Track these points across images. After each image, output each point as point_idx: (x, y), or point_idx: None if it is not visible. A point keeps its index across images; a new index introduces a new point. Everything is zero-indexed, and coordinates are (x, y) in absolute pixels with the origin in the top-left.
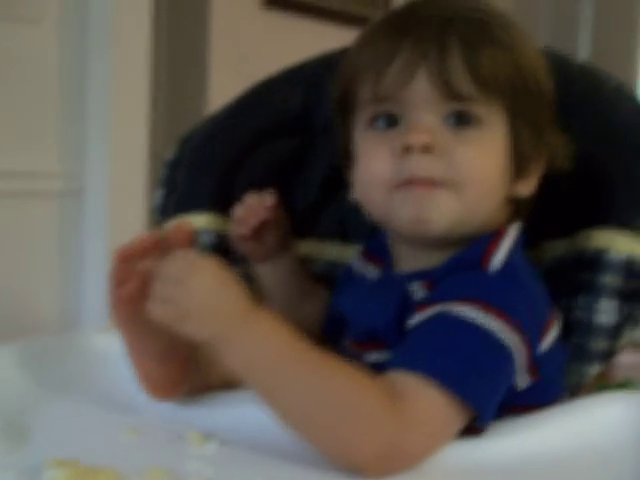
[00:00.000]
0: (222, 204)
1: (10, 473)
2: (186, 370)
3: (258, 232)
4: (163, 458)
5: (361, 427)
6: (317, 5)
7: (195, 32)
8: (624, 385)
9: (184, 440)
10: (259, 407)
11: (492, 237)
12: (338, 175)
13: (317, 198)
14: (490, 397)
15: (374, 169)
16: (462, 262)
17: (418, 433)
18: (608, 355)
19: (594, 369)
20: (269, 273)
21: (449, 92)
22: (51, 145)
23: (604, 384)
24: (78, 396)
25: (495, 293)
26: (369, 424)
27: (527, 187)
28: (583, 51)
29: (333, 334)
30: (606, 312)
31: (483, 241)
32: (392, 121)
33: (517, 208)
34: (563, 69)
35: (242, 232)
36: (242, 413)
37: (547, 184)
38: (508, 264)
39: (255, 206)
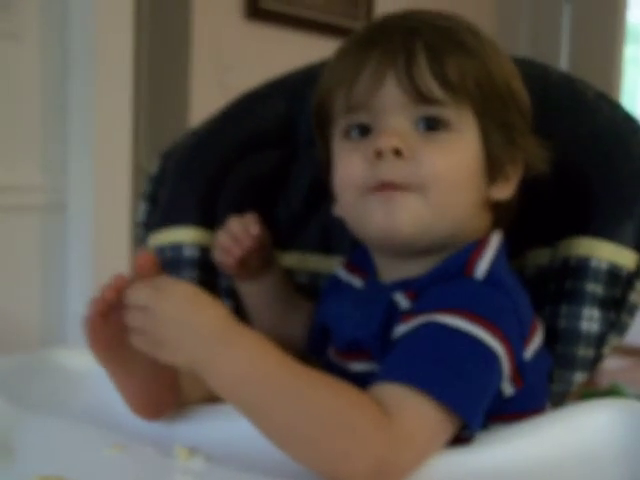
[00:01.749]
0: (206, 217)
1: None
2: (173, 389)
3: (242, 259)
4: (149, 473)
5: (351, 443)
6: (299, 16)
7: (177, 44)
8: (611, 391)
9: (170, 455)
10: (246, 421)
11: (475, 246)
12: (321, 187)
13: (300, 210)
14: (478, 406)
15: (347, 175)
16: (445, 271)
17: (408, 446)
18: (593, 362)
19: (580, 377)
20: (254, 291)
21: (417, 96)
22: (34, 159)
23: (590, 391)
24: (62, 413)
25: (479, 302)
26: (359, 440)
27: (504, 191)
28: (563, 62)
29: (318, 345)
30: (590, 320)
31: (466, 250)
32: (365, 131)
33: (498, 215)
34: (543, 77)
35: (227, 262)
36: (229, 427)
37: (529, 193)
38: (491, 272)
39: (239, 235)
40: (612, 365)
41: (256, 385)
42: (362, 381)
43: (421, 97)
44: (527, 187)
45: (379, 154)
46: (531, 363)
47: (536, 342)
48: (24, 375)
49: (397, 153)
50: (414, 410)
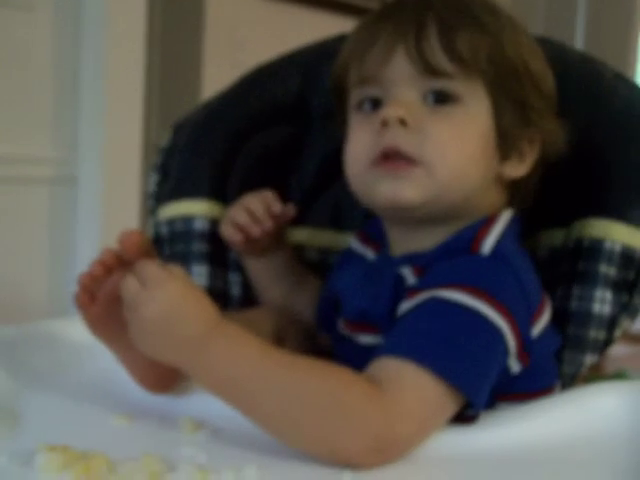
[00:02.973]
0: (217, 190)
1: (2, 458)
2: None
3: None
4: (155, 444)
5: (349, 423)
6: None
7: (190, 20)
8: (617, 376)
9: (176, 426)
10: None
11: (484, 222)
12: (333, 162)
13: (312, 186)
14: (481, 383)
15: (356, 147)
16: (452, 247)
17: (407, 422)
18: (604, 345)
19: (590, 359)
20: (261, 268)
21: (426, 68)
22: (44, 131)
23: (597, 376)
24: (67, 383)
25: (484, 277)
26: (356, 419)
27: (518, 169)
28: (578, 41)
29: (327, 318)
30: (602, 302)
31: (474, 226)
32: (376, 104)
33: (513, 193)
34: (562, 58)
35: (239, 240)
36: None
37: (545, 173)
38: (498, 249)
39: (260, 215)
40: (619, 352)
41: (242, 382)
42: (370, 353)
43: (430, 70)
44: (542, 166)
45: (385, 123)
46: (538, 341)
47: (544, 320)
48: (30, 345)
49: (402, 123)
50: (413, 385)
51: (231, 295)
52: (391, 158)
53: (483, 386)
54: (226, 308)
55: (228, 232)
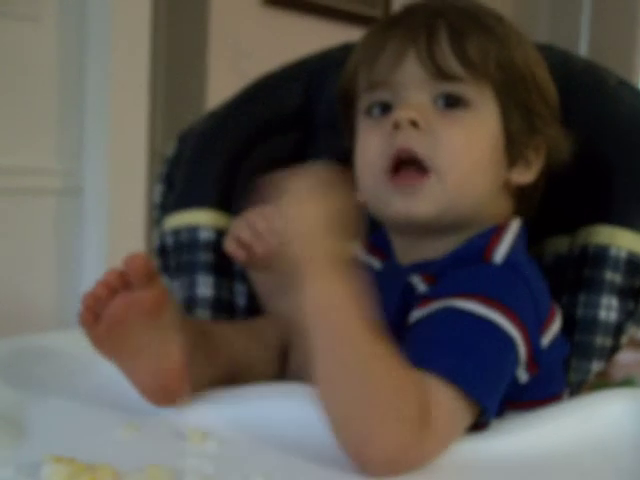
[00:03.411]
0: (222, 200)
1: (8, 469)
2: (182, 375)
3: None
4: (162, 455)
5: (384, 425)
6: (316, 3)
7: (194, 29)
8: (625, 383)
9: (184, 437)
10: (258, 403)
11: (494, 231)
12: None
13: None
14: (496, 393)
15: (367, 152)
16: (463, 256)
17: (435, 439)
18: (611, 352)
19: (597, 366)
20: (267, 279)
21: (437, 72)
22: (50, 142)
23: (605, 383)
24: (73, 394)
25: (497, 287)
26: (393, 425)
27: (525, 176)
28: (582, 48)
29: None
30: (608, 309)
31: (485, 234)
32: (386, 108)
33: (520, 201)
34: (565, 65)
35: (242, 256)
36: (241, 410)
37: (550, 180)
38: (510, 258)
39: (263, 232)
40: (627, 358)
41: (332, 323)
42: None
43: (441, 74)
44: (547, 174)
45: (397, 125)
46: (547, 350)
47: (554, 329)
48: (36, 356)
49: (414, 124)
50: (445, 403)
51: (237, 305)
52: (403, 170)
53: (497, 396)
54: (232, 318)
55: (231, 249)
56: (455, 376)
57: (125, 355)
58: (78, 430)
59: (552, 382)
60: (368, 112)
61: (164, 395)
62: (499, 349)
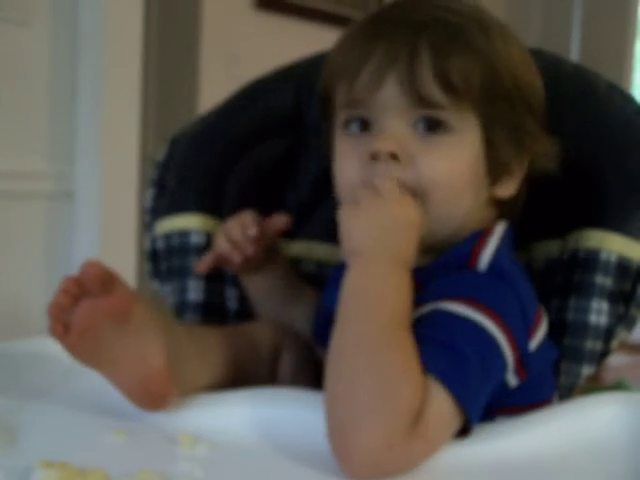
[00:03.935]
0: (213, 204)
1: None
2: (168, 378)
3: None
4: (153, 460)
5: (375, 414)
6: (309, 7)
7: (186, 33)
8: (616, 387)
9: (174, 442)
10: (249, 408)
11: (478, 236)
12: (329, 175)
13: (308, 199)
14: (480, 400)
15: (344, 174)
16: (449, 262)
17: (423, 442)
18: (601, 356)
19: (587, 370)
20: (258, 283)
21: (418, 99)
22: (41, 146)
23: (596, 387)
24: (64, 399)
25: (484, 292)
26: (384, 416)
27: (508, 189)
28: (574, 54)
29: (322, 331)
30: (598, 313)
31: (469, 240)
32: (364, 125)
33: (502, 209)
34: (555, 69)
35: (225, 267)
36: (233, 415)
37: (539, 185)
38: (495, 263)
39: (240, 241)
40: (618, 362)
41: (373, 310)
42: None
43: (422, 101)
44: (537, 179)
45: (375, 157)
46: (536, 354)
47: (541, 333)
48: (27, 361)
49: (394, 157)
50: (437, 406)
51: (228, 309)
52: None
53: (480, 403)
54: (223, 322)
55: (211, 262)
56: (449, 380)
57: (104, 362)
58: (70, 435)
59: (541, 386)
60: (346, 126)
61: (151, 400)
62: (485, 353)
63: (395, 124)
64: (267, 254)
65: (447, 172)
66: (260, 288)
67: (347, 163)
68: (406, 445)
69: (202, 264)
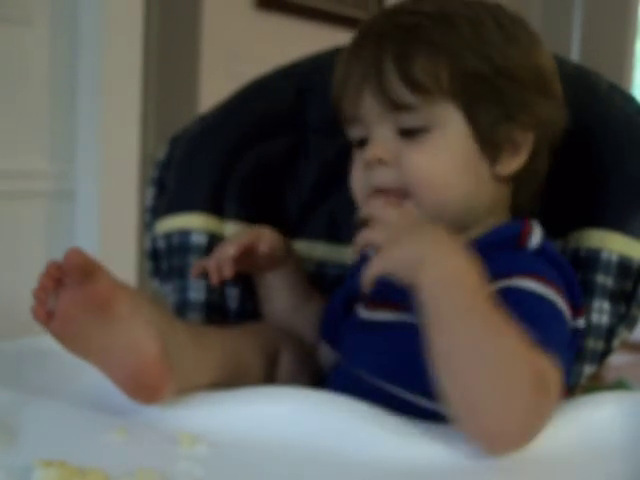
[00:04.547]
0: (214, 204)
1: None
2: (164, 373)
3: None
4: (153, 459)
5: (508, 407)
6: (309, 6)
7: (186, 32)
8: (618, 386)
9: (174, 441)
10: (249, 407)
11: (522, 221)
12: (329, 175)
13: (309, 198)
14: (565, 362)
15: (353, 184)
16: (495, 241)
17: (550, 406)
18: (603, 355)
19: (589, 369)
20: (269, 283)
21: (391, 104)
22: (42, 145)
23: (597, 386)
24: (64, 397)
25: (543, 269)
26: (516, 406)
27: (512, 164)
28: (574, 55)
29: (331, 328)
30: (600, 312)
31: (512, 225)
32: (363, 141)
33: (517, 184)
34: (557, 68)
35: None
36: (233, 413)
37: (554, 160)
38: (544, 245)
39: (219, 262)
40: (618, 361)
41: (459, 296)
42: (390, 330)
43: (395, 105)
44: (551, 153)
45: (368, 165)
46: (575, 337)
47: (582, 321)
48: (26, 360)
49: (382, 162)
50: (550, 369)
51: (228, 309)
52: (381, 194)
53: (567, 365)
54: (223, 322)
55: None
56: (555, 352)
57: (92, 351)
58: (69, 433)
59: (568, 373)
60: (352, 143)
61: (145, 391)
62: (560, 323)
63: (381, 132)
64: (269, 262)
65: (433, 168)
66: (271, 287)
67: (353, 177)
68: (540, 405)
69: (195, 270)
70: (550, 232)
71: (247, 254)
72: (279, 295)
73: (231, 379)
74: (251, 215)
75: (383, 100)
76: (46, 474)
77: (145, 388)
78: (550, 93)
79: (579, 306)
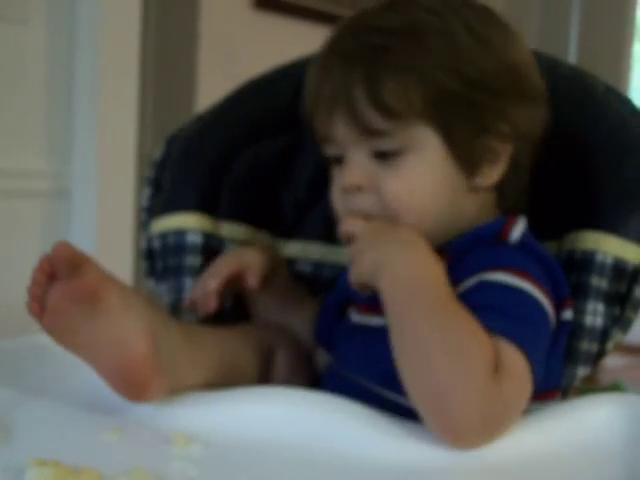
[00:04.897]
0: (210, 203)
1: None
2: (153, 368)
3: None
4: (147, 459)
5: (463, 395)
6: (307, 7)
7: (184, 32)
8: (613, 388)
9: (168, 441)
10: (243, 407)
11: (506, 219)
12: (325, 175)
13: (305, 198)
14: (539, 353)
15: (334, 201)
16: (479, 238)
17: (513, 384)
18: (597, 357)
19: (582, 371)
20: (258, 297)
21: (364, 130)
22: (38, 145)
23: (591, 388)
24: (60, 396)
25: (519, 260)
26: (471, 394)
27: (491, 175)
28: (571, 58)
29: (327, 331)
30: (594, 314)
31: (498, 221)
32: (340, 159)
33: (500, 193)
34: (553, 70)
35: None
36: (227, 413)
37: (535, 187)
38: (525, 239)
39: (200, 297)
40: (614, 363)
41: (414, 292)
42: (382, 334)
43: (367, 131)
44: (534, 180)
45: (345, 191)
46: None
47: (568, 313)
48: (21, 359)
49: (359, 189)
50: (510, 358)
51: (224, 308)
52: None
53: (540, 357)
54: (218, 321)
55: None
56: (510, 334)
57: (80, 344)
58: (64, 433)
59: (553, 373)
60: (328, 157)
61: (133, 387)
62: (535, 313)
63: (356, 156)
64: (264, 283)
65: (409, 193)
66: (260, 301)
67: (334, 193)
68: (498, 392)
69: (185, 303)
70: (545, 234)
71: (232, 282)
72: (269, 308)
73: (226, 379)
74: (247, 215)
75: (355, 126)
76: (40, 473)
77: (132, 384)
78: (528, 92)
79: (564, 297)
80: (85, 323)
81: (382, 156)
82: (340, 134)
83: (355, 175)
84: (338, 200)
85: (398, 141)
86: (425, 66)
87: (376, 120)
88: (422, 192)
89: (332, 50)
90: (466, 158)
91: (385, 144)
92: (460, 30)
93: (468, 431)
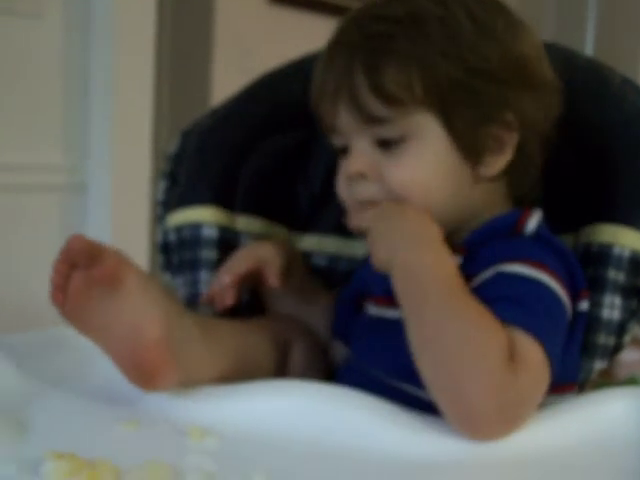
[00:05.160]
0: (225, 197)
1: (11, 466)
2: (165, 355)
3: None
4: (162, 452)
5: (478, 385)
6: (322, 1)
7: (199, 27)
8: (629, 382)
9: (184, 434)
10: (259, 400)
11: (521, 211)
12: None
13: (320, 192)
14: (556, 345)
15: (339, 191)
16: (495, 230)
17: (529, 375)
18: (613, 351)
19: (599, 365)
20: (272, 294)
21: (366, 118)
22: (55, 139)
23: (608, 382)
24: (76, 389)
25: (536, 252)
26: (487, 383)
27: (496, 164)
28: (588, 46)
29: (344, 323)
30: (611, 307)
31: (511, 214)
32: (345, 149)
33: (509, 180)
34: (569, 62)
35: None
36: (242, 407)
37: (552, 179)
38: (541, 231)
39: (217, 292)
40: (631, 357)
41: (428, 282)
42: (398, 326)
43: (370, 118)
44: (550, 173)
45: (350, 179)
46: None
47: (584, 305)
48: (38, 352)
49: (363, 176)
50: (538, 362)
51: (240, 301)
52: (371, 204)
53: (557, 349)
54: (235, 314)
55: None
56: (525, 324)
57: (95, 328)
58: (79, 426)
59: (570, 367)
60: (335, 149)
61: (144, 377)
62: (551, 304)
63: (360, 145)
64: (282, 280)
65: (412, 180)
66: (276, 294)
67: (339, 182)
68: (514, 380)
69: (202, 299)
70: (561, 227)
71: (249, 277)
72: (285, 301)
73: (242, 372)
74: (262, 209)
75: (357, 114)
76: (57, 466)
77: (143, 370)
78: (535, 82)
79: (581, 287)
80: (103, 305)
81: (385, 144)
82: (344, 123)
83: (359, 163)
84: (343, 189)
85: (400, 129)
86: (426, 53)
87: (377, 107)
88: (424, 179)
89: (337, 41)
90: (469, 146)
91: (387, 132)
92: (464, 19)
93: (485, 420)
